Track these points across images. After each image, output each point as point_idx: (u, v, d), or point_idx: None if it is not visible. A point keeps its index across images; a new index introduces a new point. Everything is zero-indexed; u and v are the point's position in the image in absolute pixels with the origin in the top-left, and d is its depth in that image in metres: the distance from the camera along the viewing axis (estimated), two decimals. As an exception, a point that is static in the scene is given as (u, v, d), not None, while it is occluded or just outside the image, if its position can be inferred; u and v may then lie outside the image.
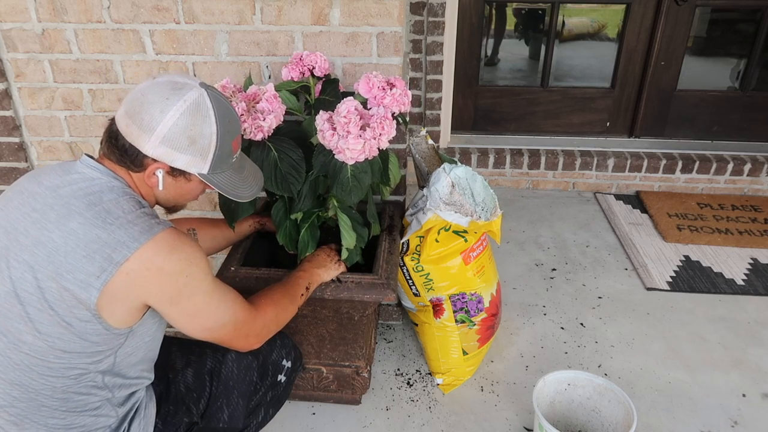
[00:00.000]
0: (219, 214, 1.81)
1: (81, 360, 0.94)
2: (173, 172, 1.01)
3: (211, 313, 1.03)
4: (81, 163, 0.99)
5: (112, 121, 1.00)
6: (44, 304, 0.90)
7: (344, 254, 1.42)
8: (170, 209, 1.13)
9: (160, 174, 1.00)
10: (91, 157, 1.01)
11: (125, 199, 0.96)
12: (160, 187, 1.01)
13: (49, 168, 1.00)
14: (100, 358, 0.96)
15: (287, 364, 1.35)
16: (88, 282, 0.89)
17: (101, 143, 1.02)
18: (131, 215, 0.94)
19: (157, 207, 1.10)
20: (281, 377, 1.34)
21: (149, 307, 0.99)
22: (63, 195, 0.94)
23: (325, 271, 1.38)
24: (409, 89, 1.62)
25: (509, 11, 3.05)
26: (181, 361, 1.22)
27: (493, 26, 3.07)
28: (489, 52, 3.12)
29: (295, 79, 1.43)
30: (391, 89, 1.32)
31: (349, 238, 1.40)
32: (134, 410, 1.08)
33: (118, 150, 0.98)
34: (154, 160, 0.98)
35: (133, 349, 1.02)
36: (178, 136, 0.96)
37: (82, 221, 0.91)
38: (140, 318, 0.98)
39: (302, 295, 1.29)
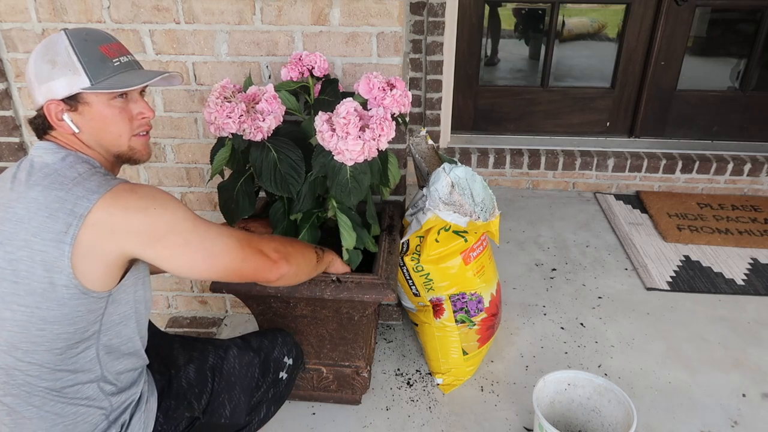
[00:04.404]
0: (219, 215, 1.81)
1: (63, 329, 0.93)
2: (69, 105, 0.99)
3: (203, 237, 1.00)
4: (33, 148, 1.02)
5: None
6: (19, 274, 0.90)
7: (345, 255, 1.41)
8: (121, 156, 1.07)
9: (65, 117, 0.99)
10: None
11: (79, 163, 0.98)
12: (76, 129, 1.00)
13: (8, 168, 1.03)
14: (84, 326, 0.95)
15: (289, 361, 1.35)
16: (58, 239, 0.89)
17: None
18: (86, 174, 0.96)
19: (123, 176, 1.09)
20: (283, 374, 1.34)
21: (129, 266, 0.99)
22: (19, 177, 0.96)
23: (337, 257, 1.40)
24: (409, 89, 1.62)
25: (509, 11, 3.05)
26: (183, 357, 1.23)
27: (493, 26, 3.07)
28: (489, 52, 3.12)
29: (295, 80, 1.43)
30: (391, 90, 1.32)
31: (349, 239, 1.40)
32: (135, 403, 1.08)
33: (32, 121, 1.03)
34: (48, 105, 0.99)
35: (121, 318, 1.01)
36: (40, 66, 0.98)
37: (41, 189, 0.93)
38: (119, 280, 0.97)
39: (315, 248, 1.31)
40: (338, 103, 1.24)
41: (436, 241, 1.58)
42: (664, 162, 2.88)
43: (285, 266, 1.13)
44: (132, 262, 1.00)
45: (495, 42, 3.12)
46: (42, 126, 1.02)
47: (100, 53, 1.00)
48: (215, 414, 1.20)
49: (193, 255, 0.99)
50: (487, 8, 2.92)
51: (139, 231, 0.93)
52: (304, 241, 1.31)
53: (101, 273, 0.94)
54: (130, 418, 1.06)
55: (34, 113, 1.03)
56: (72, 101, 0.99)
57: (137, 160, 1.10)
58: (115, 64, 1.02)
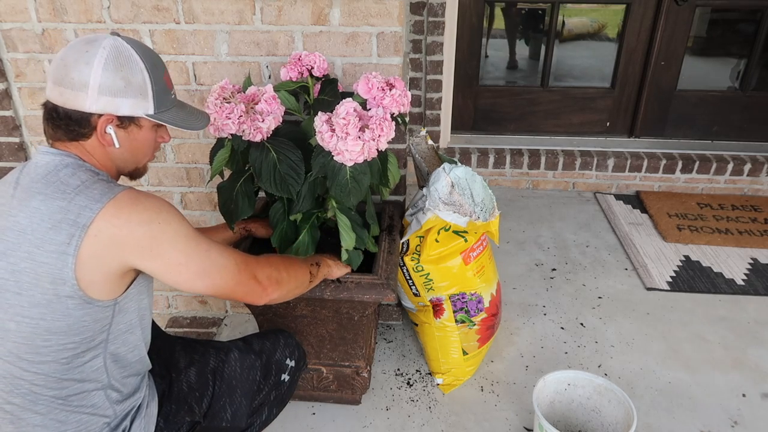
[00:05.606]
0: (219, 215, 1.81)
1: (69, 339, 0.93)
2: (122, 122, 1.00)
3: (203, 257, 1.00)
4: (37, 152, 1.00)
5: (45, 102, 1.00)
6: (22, 286, 0.90)
7: (344, 256, 1.41)
8: (131, 173, 1.11)
9: (111, 130, 0.99)
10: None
11: (81, 171, 0.97)
12: (116, 144, 1.00)
13: (11, 171, 1.02)
14: (90, 335, 0.95)
15: (291, 363, 1.35)
16: (61, 251, 0.89)
17: (44, 130, 1.01)
18: (88, 182, 0.95)
19: (121, 180, 1.09)
20: (285, 376, 1.34)
21: (134, 277, 0.98)
22: (22, 183, 0.95)
23: (333, 262, 1.39)
24: (409, 89, 1.62)
25: (509, 11, 3.05)
26: (184, 360, 1.22)
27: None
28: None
29: (294, 80, 1.43)
30: (390, 90, 1.32)
31: (348, 239, 1.39)
32: (135, 409, 1.07)
33: (63, 121, 0.97)
34: (101, 115, 0.97)
35: (127, 327, 1.01)
36: (112, 80, 0.96)
37: (43, 198, 0.92)
38: (124, 289, 0.97)
39: (311, 265, 1.30)
40: (338, 103, 1.24)
41: (436, 241, 1.58)
42: (664, 162, 2.88)
43: (275, 293, 1.15)
44: (138, 272, 1.00)
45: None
46: (69, 122, 0.98)
47: (164, 84, 1.04)
48: (216, 418, 1.20)
49: (192, 273, 1.00)
50: (487, 8, 2.92)
51: (141, 244, 0.93)
52: (300, 260, 1.30)
53: (105, 282, 0.94)
54: (131, 424, 1.06)
55: (77, 114, 0.96)
56: (126, 119, 1.00)
57: (140, 176, 1.14)
58: (172, 96, 1.07)
